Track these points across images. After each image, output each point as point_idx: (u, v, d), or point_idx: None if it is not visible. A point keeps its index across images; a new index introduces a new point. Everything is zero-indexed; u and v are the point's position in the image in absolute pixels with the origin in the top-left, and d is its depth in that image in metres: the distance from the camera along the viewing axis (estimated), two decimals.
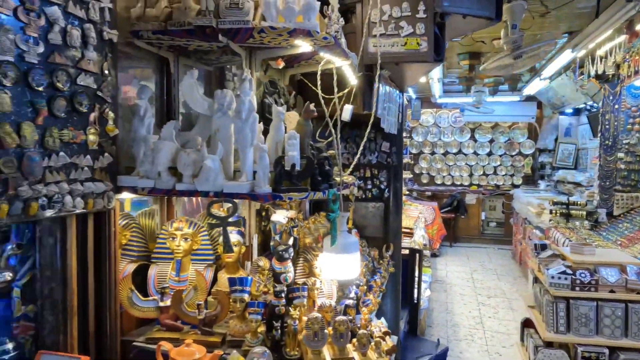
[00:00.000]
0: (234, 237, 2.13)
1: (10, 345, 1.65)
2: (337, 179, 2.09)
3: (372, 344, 1.85)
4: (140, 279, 2.13)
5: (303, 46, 2.02)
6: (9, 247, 1.64)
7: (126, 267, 2.07)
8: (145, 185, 1.87)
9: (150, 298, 2.04)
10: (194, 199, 2.54)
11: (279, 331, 1.85)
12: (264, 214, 2.69)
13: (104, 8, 1.74)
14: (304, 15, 1.85)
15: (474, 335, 5.41)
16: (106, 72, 1.77)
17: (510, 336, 5.33)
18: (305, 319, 1.88)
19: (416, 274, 4.49)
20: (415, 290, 4.52)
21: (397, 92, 3.30)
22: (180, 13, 1.89)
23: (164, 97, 2.27)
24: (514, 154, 10.66)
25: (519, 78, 8.09)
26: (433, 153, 11.12)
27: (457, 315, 6.08)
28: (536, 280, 3.97)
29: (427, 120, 11.00)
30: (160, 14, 1.91)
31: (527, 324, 4.20)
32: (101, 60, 1.74)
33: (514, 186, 10.39)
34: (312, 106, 1.99)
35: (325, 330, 1.82)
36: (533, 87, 8.15)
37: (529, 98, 9.65)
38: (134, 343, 1.97)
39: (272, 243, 2.31)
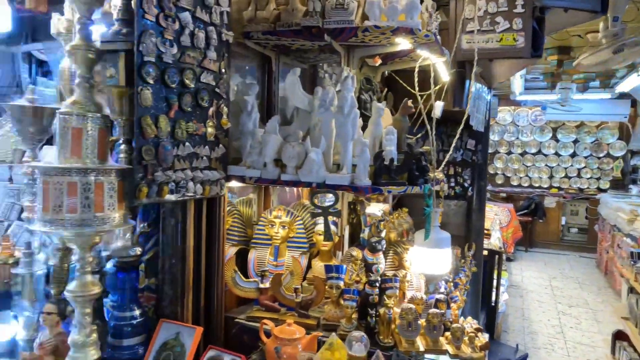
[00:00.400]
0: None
1: (137, 312, 1.87)
2: (431, 174, 2.12)
3: (466, 339, 1.87)
4: (239, 262, 2.30)
5: (402, 44, 2.07)
6: (141, 225, 1.85)
7: (228, 250, 2.25)
8: (252, 175, 2.02)
9: (251, 280, 2.20)
10: (287, 190, 2.68)
11: (374, 319, 1.93)
12: (352, 207, 2.78)
13: (223, 12, 1.90)
14: (406, 14, 1.90)
15: (554, 344, 5.15)
16: (223, 70, 1.94)
17: (595, 349, 5.00)
18: (396, 310, 1.94)
19: (495, 276, 4.36)
20: (494, 293, 4.40)
21: (486, 89, 3.23)
22: (288, 14, 2.02)
23: (265, 93, 2.42)
24: (601, 155, 9.90)
25: (612, 74, 7.49)
26: (509, 153, 10.62)
27: (535, 322, 5.81)
28: (631, 290, 3.71)
29: (504, 118, 10.53)
30: (270, 15, 2.05)
31: (619, 336, 3.94)
32: (219, 60, 1.91)
33: (600, 190, 9.66)
34: (409, 102, 2.03)
35: (419, 321, 1.86)
36: (628, 84, 7.51)
37: (622, 95, 8.89)
38: (236, 320, 2.14)
39: (362, 235, 2.40)
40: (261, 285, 2.15)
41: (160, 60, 1.63)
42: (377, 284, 1.98)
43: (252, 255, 2.29)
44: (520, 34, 2.54)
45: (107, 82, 1.68)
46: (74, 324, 1.61)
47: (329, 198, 1.96)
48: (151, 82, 1.59)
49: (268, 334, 1.91)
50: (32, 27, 4.06)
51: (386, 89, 2.62)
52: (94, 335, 1.61)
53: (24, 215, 2.00)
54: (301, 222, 2.30)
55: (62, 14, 2.27)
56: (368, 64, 2.40)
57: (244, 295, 2.19)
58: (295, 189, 2.81)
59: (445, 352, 1.84)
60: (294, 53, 2.44)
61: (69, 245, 1.62)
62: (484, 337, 1.93)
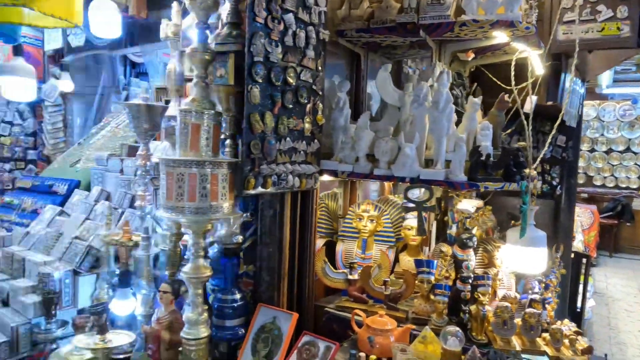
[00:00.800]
0: (415, 222, 2.24)
1: (238, 296, 2.00)
2: (527, 171, 2.06)
3: (566, 341, 1.81)
4: (325, 253, 2.38)
5: (499, 37, 2.02)
6: (244, 215, 1.98)
7: (317, 241, 2.33)
8: (344, 169, 2.09)
9: (340, 271, 2.27)
10: (371, 185, 2.72)
11: (467, 315, 1.92)
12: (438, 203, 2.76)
13: (321, 11, 1.97)
14: (506, 7, 1.85)
15: None
16: (319, 68, 2.01)
17: None
18: (488, 308, 1.91)
19: (581, 280, 4.11)
20: (580, 299, 4.15)
21: (580, 82, 3.06)
22: (382, 12, 2.05)
23: (353, 89, 2.47)
24: None
25: None
26: (593, 150, 9.88)
27: (623, 332, 5.40)
28: None
29: (588, 113, 9.78)
30: (364, 13, 2.10)
31: None
32: (316, 58, 1.99)
33: None
34: (506, 97, 1.99)
35: (515, 320, 1.83)
36: None
37: None
38: (326, 308, 2.22)
39: (449, 231, 2.38)
40: (350, 277, 2.21)
41: (267, 59, 1.73)
42: (470, 281, 1.97)
43: (340, 247, 2.36)
44: (625, 23, 2.38)
45: (216, 81, 1.81)
46: (188, 302, 1.77)
47: (417, 193, 1.97)
48: (260, 80, 1.70)
49: (359, 324, 1.96)
50: (130, 33, 4.43)
51: (475, 84, 2.57)
52: (205, 315, 1.76)
53: (137, 203, 2.21)
54: (388, 216, 2.33)
55: (169, 19, 2.48)
56: (459, 59, 2.37)
57: (332, 286, 2.27)
58: (371, 183, 2.85)
59: (543, 353, 1.79)
60: (383, 50, 2.46)
61: (185, 231, 1.78)
62: (584, 341, 1.85)
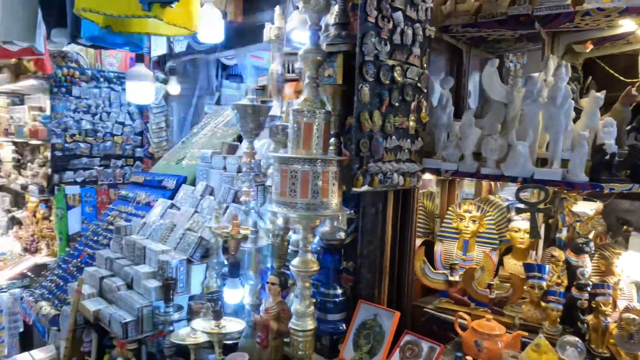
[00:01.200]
0: (524, 224, 2.14)
1: (339, 291, 2.04)
2: None
3: None
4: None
5: (625, 26, 1.86)
6: (349, 212, 2.01)
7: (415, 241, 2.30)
8: (448, 168, 2.04)
9: (440, 271, 2.23)
10: (473, 184, 2.63)
11: (584, 325, 1.79)
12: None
13: (427, 8, 1.95)
14: None
15: None
16: (424, 65, 1.99)
17: None
18: (610, 319, 1.77)
19: None
20: None
21: None
22: (491, 5, 1.98)
23: (454, 86, 2.40)
24: None
25: None
26: None
27: None
28: None
29: None
30: (470, 7, 2.03)
31: None
32: (422, 55, 1.97)
33: None
34: (633, 91, 1.82)
35: None
36: None
37: None
38: (425, 309, 2.19)
39: (558, 235, 2.24)
40: (451, 278, 2.17)
41: (377, 58, 1.74)
42: (587, 289, 1.84)
43: (439, 247, 2.32)
44: None
45: (324, 81, 1.86)
46: (296, 295, 1.84)
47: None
48: (370, 79, 1.71)
49: (462, 327, 1.91)
50: (225, 37, 4.67)
51: (590, 77, 2.38)
52: (312, 308, 1.81)
53: (242, 198, 2.33)
54: (491, 217, 2.24)
55: (268, 22, 2.59)
56: (573, 51, 2.21)
57: (431, 286, 2.23)
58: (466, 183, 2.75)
59: None
60: (486, 44, 2.37)
61: (294, 226, 1.85)
62: None
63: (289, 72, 2.72)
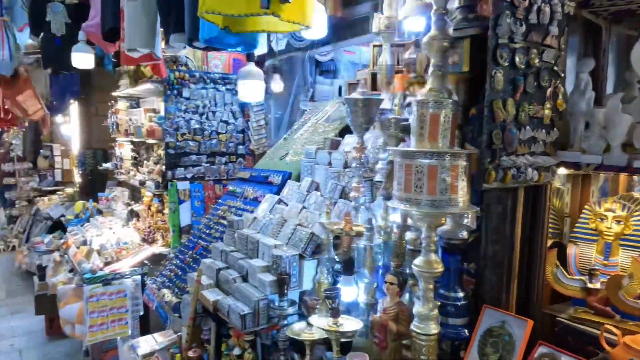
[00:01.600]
0: None
1: (461, 294, 1.91)
2: None
3: None
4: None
5: None
6: (476, 210, 1.87)
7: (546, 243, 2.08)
8: (590, 162, 1.81)
9: (575, 277, 2.00)
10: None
11: None
12: None
13: None
14: None
15: None
16: (562, 46, 1.77)
17: None
18: None
19: None
20: None
21: None
22: None
23: None
24: None
25: None
26: None
27: None
28: None
29: None
30: None
31: None
32: (559, 35, 1.75)
33: None
34: None
35: None
36: None
37: None
38: (557, 318, 1.97)
39: None
40: (590, 285, 1.93)
41: (512, 41, 1.58)
42: None
43: (573, 250, 2.07)
44: None
45: (449, 69, 1.73)
46: (418, 296, 1.75)
47: None
48: (505, 64, 1.56)
49: (609, 342, 1.68)
50: None
51: None
52: (436, 311, 1.70)
53: (352, 194, 2.28)
54: (639, 217, 1.95)
55: (376, 12, 2.50)
56: None
57: (565, 293, 2.01)
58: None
59: None
60: (630, 20, 2.07)
61: (417, 224, 1.76)
62: None
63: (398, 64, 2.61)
